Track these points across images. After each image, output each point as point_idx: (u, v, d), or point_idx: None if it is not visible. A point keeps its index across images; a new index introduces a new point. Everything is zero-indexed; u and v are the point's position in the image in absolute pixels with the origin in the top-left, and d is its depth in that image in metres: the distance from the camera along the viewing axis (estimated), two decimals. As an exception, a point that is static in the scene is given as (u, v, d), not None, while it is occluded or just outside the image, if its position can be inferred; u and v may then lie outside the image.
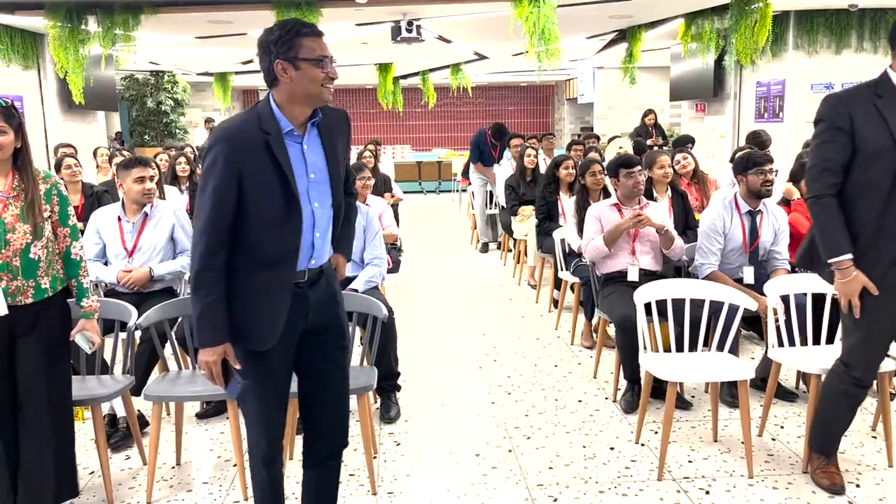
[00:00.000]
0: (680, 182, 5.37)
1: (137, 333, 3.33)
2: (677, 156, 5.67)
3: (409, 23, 7.64)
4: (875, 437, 3.44)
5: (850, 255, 2.62)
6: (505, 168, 8.09)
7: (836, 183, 2.64)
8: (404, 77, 14.08)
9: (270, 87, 2.09)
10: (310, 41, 2.02)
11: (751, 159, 3.94)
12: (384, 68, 12.38)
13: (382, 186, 7.18)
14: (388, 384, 3.80)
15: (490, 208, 8.78)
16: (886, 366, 3.21)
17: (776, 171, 3.99)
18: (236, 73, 13.48)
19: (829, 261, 2.65)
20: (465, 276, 7.41)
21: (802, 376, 4.00)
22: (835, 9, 7.77)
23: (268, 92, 2.11)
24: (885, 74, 2.65)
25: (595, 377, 4.32)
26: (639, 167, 4.18)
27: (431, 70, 13.55)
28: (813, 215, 2.71)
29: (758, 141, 6.49)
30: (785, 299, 3.37)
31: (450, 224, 11.09)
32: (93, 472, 3.25)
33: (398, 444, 3.49)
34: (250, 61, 11.91)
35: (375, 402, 3.86)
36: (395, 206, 7.36)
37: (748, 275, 3.93)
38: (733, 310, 3.33)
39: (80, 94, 7.57)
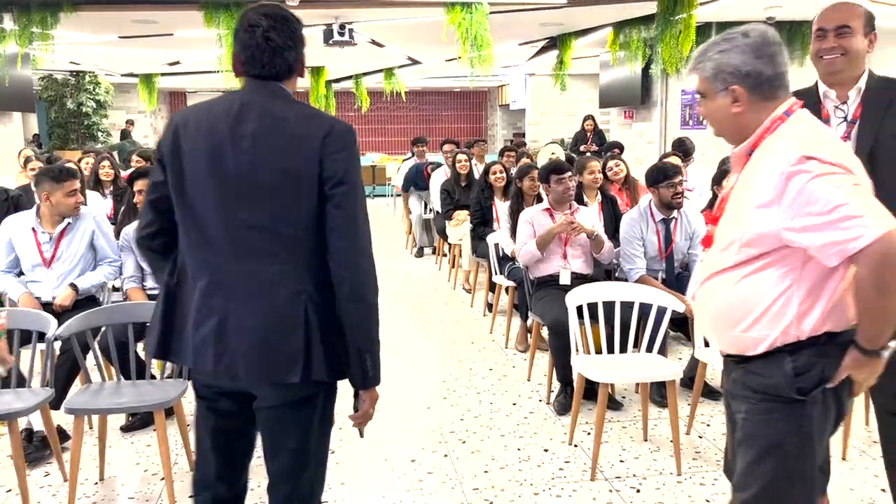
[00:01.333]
0: (610, 187, 5.50)
1: (57, 344, 3.20)
2: (609, 162, 5.80)
3: (342, 26, 7.59)
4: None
5: None
6: (440, 174, 8.12)
7: None
8: (337, 81, 13.96)
9: (280, 78, 1.84)
10: None
11: (661, 172, 4.08)
12: (316, 72, 12.25)
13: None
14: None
15: (425, 213, 8.79)
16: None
17: (686, 181, 4.14)
18: (162, 74, 13.11)
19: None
20: (400, 280, 7.39)
21: (727, 375, 4.13)
22: (754, 20, 8.09)
23: (276, 84, 1.84)
24: (815, 86, 2.47)
25: (529, 380, 4.36)
26: (569, 173, 4.26)
27: (365, 74, 13.49)
28: None
29: (682, 148, 6.70)
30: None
31: (384, 229, 11.04)
32: (10, 490, 3.09)
33: (332, 453, 3.44)
34: (177, 62, 11.59)
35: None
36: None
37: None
38: (661, 311, 3.42)
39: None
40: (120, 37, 8.65)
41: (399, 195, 9.92)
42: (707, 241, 1.89)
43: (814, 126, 1.75)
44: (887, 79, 2.39)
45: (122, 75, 13.66)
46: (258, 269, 1.75)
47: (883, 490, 2.99)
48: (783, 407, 1.73)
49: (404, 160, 9.54)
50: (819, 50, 2.34)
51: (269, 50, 1.79)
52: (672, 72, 7.71)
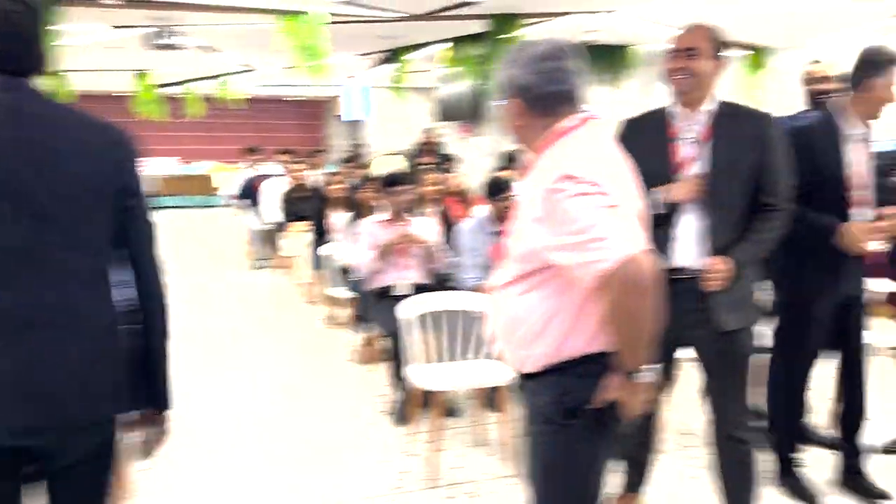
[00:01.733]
0: (445, 199, 5.62)
1: None
2: (445, 174, 5.95)
3: (168, 29, 7.22)
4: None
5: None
6: (277, 184, 7.93)
7: None
8: (167, 86, 13.29)
9: (33, 75, 1.58)
10: None
11: (496, 185, 4.24)
12: (142, 75, 11.58)
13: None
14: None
15: (264, 224, 8.54)
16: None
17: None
18: None
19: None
20: (239, 294, 7.12)
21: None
22: (585, 42, 8.62)
23: (33, 82, 1.58)
24: (663, 106, 2.49)
25: (369, 391, 4.35)
26: (405, 185, 4.31)
27: (198, 79, 12.93)
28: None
29: (512, 161, 7.00)
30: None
31: (222, 240, 10.61)
32: None
33: (156, 480, 3.24)
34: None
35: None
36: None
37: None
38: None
39: None
40: None
41: (231, 205, 9.59)
42: (496, 253, 1.88)
43: (588, 144, 1.73)
44: (735, 104, 2.45)
45: None
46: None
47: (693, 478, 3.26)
48: (554, 429, 1.74)
49: (240, 170, 9.23)
50: (669, 70, 2.40)
51: (24, 40, 1.55)
52: (504, 88, 8.03)
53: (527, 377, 1.79)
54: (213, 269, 8.49)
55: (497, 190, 4.22)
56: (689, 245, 2.36)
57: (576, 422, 1.71)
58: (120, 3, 6.44)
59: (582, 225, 1.55)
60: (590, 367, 1.70)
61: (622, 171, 1.75)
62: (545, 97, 1.74)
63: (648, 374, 1.67)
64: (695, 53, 2.33)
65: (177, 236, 10.61)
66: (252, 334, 5.66)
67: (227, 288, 7.39)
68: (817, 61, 3.41)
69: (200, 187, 15.56)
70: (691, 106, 2.39)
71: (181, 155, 16.79)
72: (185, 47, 7.59)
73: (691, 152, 2.38)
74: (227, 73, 12.17)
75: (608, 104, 9.25)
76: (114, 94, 14.30)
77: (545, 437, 1.77)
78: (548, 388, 1.73)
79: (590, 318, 1.68)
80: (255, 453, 3.51)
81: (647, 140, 2.39)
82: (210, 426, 3.82)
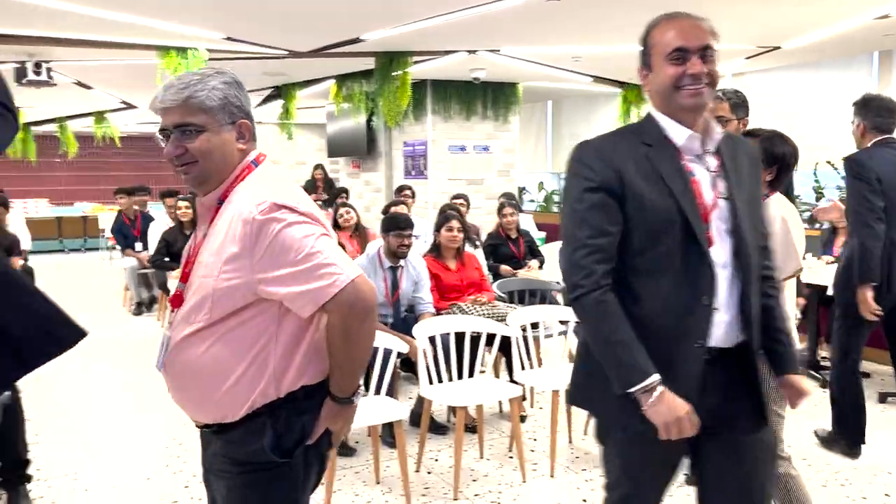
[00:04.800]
0: (339, 234, 5.59)
1: None
2: (340, 209, 5.92)
3: (38, 64, 6.86)
4: (511, 458, 3.87)
5: (656, 376, 1.65)
6: (159, 223, 7.63)
7: (609, 269, 1.71)
8: (38, 123, 12.58)
9: None
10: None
11: (393, 222, 4.27)
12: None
13: (8, 250, 6.25)
14: (14, 475, 3.26)
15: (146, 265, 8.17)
16: (514, 392, 3.67)
17: (416, 236, 4.37)
18: None
19: (629, 391, 1.66)
20: (117, 340, 6.75)
21: (452, 409, 4.36)
22: (463, 80, 8.86)
23: None
24: (650, 118, 1.79)
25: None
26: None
27: (72, 117, 12.32)
28: (584, 326, 1.80)
29: (402, 195, 7.09)
30: (432, 340, 3.66)
31: (99, 285, 10.06)
32: None
33: (29, 545, 3.00)
34: None
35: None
36: (28, 271, 6.46)
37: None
38: (388, 353, 3.52)
39: None
40: None
41: (114, 247, 9.14)
42: (176, 301, 1.67)
43: (279, 176, 1.67)
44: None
45: None
46: None
47: (584, 501, 3.34)
48: (266, 474, 1.63)
49: (120, 210, 8.81)
50: (680, 77, 1.69)
51: None
52: (393, 124, 8.12)
53: (226, 428, 1.64)
54: (90, 316, 8.02)
55: (394, 225, 4.24)
56: (730, 313, 1.75)
57: (294, 461, 1.64)
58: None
59: (304, 252, 1.52)
60: (305, 402, 1.64)
61: (312, 202, 1.67)
62: (252, 122, 1.68)
63: (359, 397, 1.70)
64: (711, 55, 1.70)
65: (51, 282, 9.98)
66: (133, 385, 5.36)
67: (104, 335, 6.98)
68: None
69: (77, 229, 14.74)
70: (696, 126, 1.74)
71: (49, 197, 15.87)
72: (55, 83, 7.22)
73: (713, 190, 1.75)
74: (105, 111, 11.67)
75: (494, 139, 9.54)
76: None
77: (259, 486, 1.64)
78: (259, 433, 1.61)
79: (301, 349, 1.63)
80: (138, 509, 3.30)
81: (652, 170, 1.71)
82: (87, 485, 3.58)
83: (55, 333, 1.92)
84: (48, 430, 4.26)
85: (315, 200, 8.55)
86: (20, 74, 6.87)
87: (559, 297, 5.28)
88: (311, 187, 11.02)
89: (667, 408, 1.64)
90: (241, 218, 1.54)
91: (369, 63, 7.53)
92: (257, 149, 1.70)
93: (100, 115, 11.80)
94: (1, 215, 6.36)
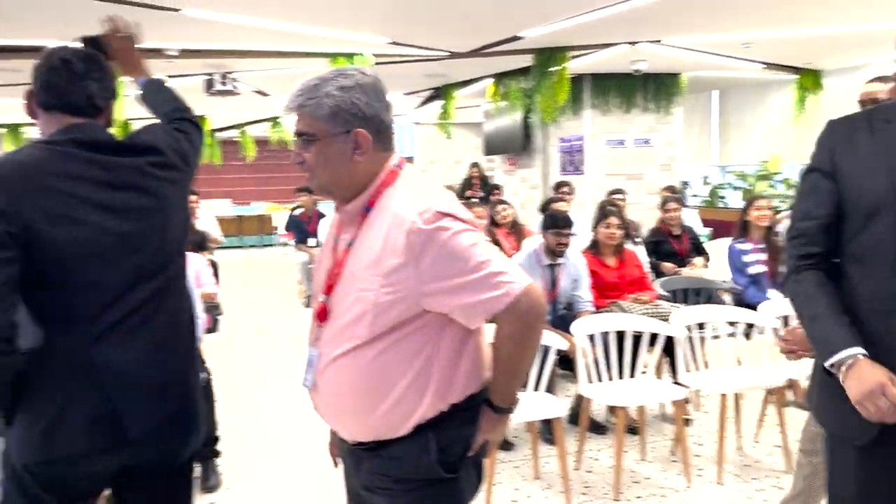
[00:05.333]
0: (496, 231, 5.65)
1: None
2: (497, 206, 5.98)
3: (224, 76, 7.50)
4: (675, 462, 3.74)
5: (854, 350, 1.53)
6: (330, 218, 8.07)
7: (816, 253, 1.67)
8: (221, 130, 13.72)
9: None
10: None
11: (553, 220, 4.24)
12: (200, 121, 12.01)
13: (199, 243, 6.89)
14: (206, 450, 3.60)
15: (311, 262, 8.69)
16: (678, 394, 3.55)
17: (574, 234, 4.32)
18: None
19: (826, 364, 1.57)
20: (290, 332, 7.24)
21: (611, 409, 4.28)
22: (623, 73, 8.64)
23: None
24: None
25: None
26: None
27: (250, 123, 13.33)
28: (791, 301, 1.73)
29: (560, 191, 7.03)
30: (591, 338, 3.62)
31: (275, 279, 10.82)
32: None
33: (220, 514, 3.30)
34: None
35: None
36: (214, 264, 7.07)
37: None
38: (547, 351, 3.53)
39: None
40: (-15, 85, 8.19)
41: (286, 243, 9.79)
42: (322, 315, 1.58)
43: (428, 181, 1.60)
44: None
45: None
46: None
47: (756, 510, 3.17)
48: (431, 490, 1.56)
49: (293, 208, 9.42)
50: None
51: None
52: (549, 120, 8.08)
53: (383, 445, 1.56)
54: (266, 308, 8.65)
55: (553, 224, 4.22)
56: None
57: (458, 474, 1.58)
58: (176, 53, 6.73)
59: (475, 261, 1.45)
60: (468, 412, 1.58)
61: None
62: (387, 131, 1.57)
63: (516, 405, 1.62)
64: None
65: (232, 276, 10.86)
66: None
67: (279, 326, 7.51)
68: (879, 79, 3.17)
69: (254, 227, 15.95)
70: None
71: (232, 197, 17.26)
72: (238, 93, 7.86)
73: None
74: (279, 116, 12.53)
75: (655, 132, 9.23)
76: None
77: (430, 501, 1.58)
78: (422, 448, 1.54)
79: (464, 359, 1.57)
80: (307, 496, 3.54)
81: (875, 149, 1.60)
82: (265, 464, 3.88)
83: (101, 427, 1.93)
84: (231, 410, 4.65)
85: (470, 198, 8.71)
86: (209, 85, 7.54)
87: (726, 298, 5.03)
88: (466, 185, 11.22)
89: (858, 378, 1.48)
90: (402, 227, 1.45)
91: (527, 60, 7.54)
92: (395, 153, 1.60)
93: (275, 121, 12.69)
94: (192, 210, 7.03)
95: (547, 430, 3.99)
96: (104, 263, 1.65)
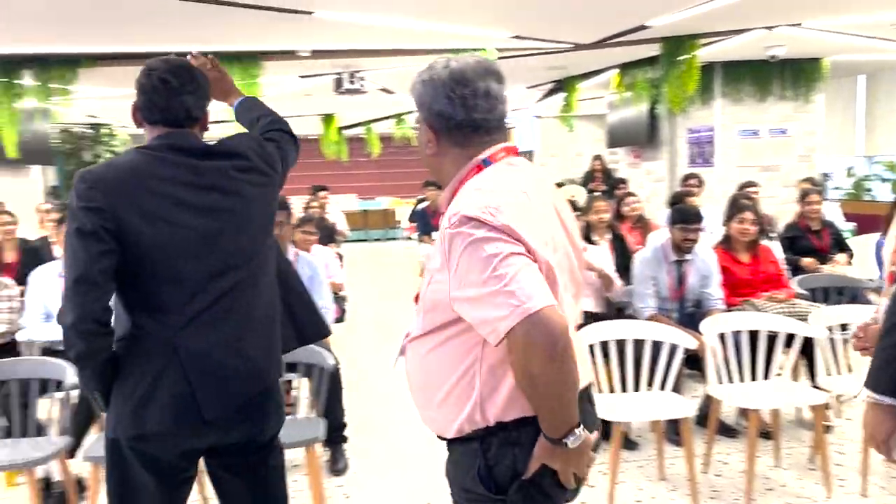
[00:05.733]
0: (620, 225, 5.52)
1: (75, 392, 3.23)
2: (627, 198, 5.85)
3: (352, 75, 7.75)
4: (813, 470, 3.54)
5: None
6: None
7: None
8: (348, 127, 14.18)
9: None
10: None
11: (681, 214, 4.09)
12: (328, 119, 12.47)
13: (329, 236, 7.18)
14: (335, 435, 3.75)
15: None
16: (817, 398, 3.34)
17: (702, 229, 4.15)
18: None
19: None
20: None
21: (742, 412, 4.10)
22: (757, 59, 8.21)
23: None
24: None
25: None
26: (577, 213, 4.30)
27: (375, 120, 13.71)
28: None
29: (688, 184, 6.78)
30: (722, 337, 3.48)
31: (398, 271, 11.09)
32: (26, 541, 3.10)
33: (347, 497, 3.43)
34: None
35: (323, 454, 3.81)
36: (339, 257, 7.35)
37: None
38: (674, 349, 3.42)
39: (15, 148, 7.41)
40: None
41: (410, 237, 10.00)
42: (416, 299, 1.58)
43: (504, 181, 1.47)
44: None
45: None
46: None
47: (905, 527, 2.95)
48: (500, 500, 1.47)
49: (417, 201, 9.61)
50: None
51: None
52: (678, 111, 7.81)
53: (449, 443, 1.55)
54: (390, 299, 8.88)
55: (680, 218, 4.09)
56: None
57: (510, 498, 1.47)
58: (308, 54, 7.03)
59: (488, 275, 1.33)
60: (517, 433, 1.45)
61: (542, 218, 1.48)
62: (462, 127, 1.51)
63: (577, 439, 1.42)
64: None
65: (357, 268, 11.23)
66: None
67: (402, 318, 7.68)
68: None
69: (379, 221, 16.44)
70: None
71: (357, 192, 17.81)
72: (365, 91, 8.09)
73: None
74: (403, 113, 12.79)
75: (792, 121, 8.71)
76: (306, 139, 15.58)
77: None
78: (473, 459, 1.48)
79: (509, 377, 1.43)
80: (430, 482, 3.61)
81: None
82: (389, 451, 3.99)
83: (317, 324, 2.17)
84: (357, 398, 4.83)
85: (592, 191, 8.55)
86: (338, 84, 7.82)
87: (873, 297, 4.68)
88: (588, 178, 11.03)
89: None
90: (443, 228, 1.44)
91: (654, 49, 7.31)
92: (494, 147, 1.53)
93: (399, 118, 12.98)
94: (322, 205, 7.33)
95: (673, 431, 3.88)
96: (188, 258, 1.81)
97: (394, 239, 15.69)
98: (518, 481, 1.46)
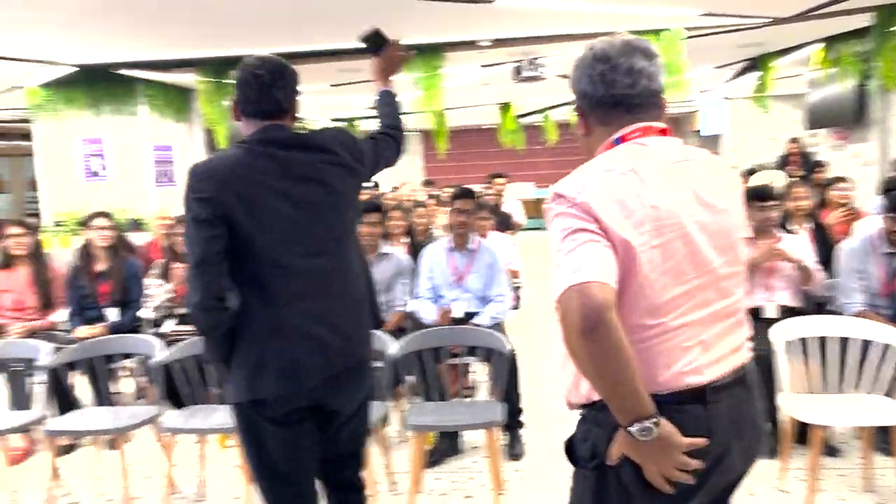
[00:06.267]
0: (822, 214, 5.07)
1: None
2: (837, 184, 5.36)
3: (531, 62, 7.73)
4: None
5: None
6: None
7: None
8: (525, 115, 14.18)
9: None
10: None
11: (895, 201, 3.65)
12: (505, 107, 12.54)
13: (504, 223, 7.23)
14: (512, 420, 3.79)
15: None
16: None
17: None
18: (363, 118, 14.07)
19: None
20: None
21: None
22: None
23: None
24: None
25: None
26: (773, 201, 3.99)
27: (553, 107, 13.59)
28: None
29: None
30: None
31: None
32: (234, 497, 3.40)
33: (523, 481, 3.46)
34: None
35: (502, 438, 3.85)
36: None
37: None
38: (887, 349, 3.09)
39: (226, 142, 8.17)
40: (331, 85, 9.44)
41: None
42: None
43: (614, 160, 1.46)
44: None
45: (332, 120, 14.83)
46: None
47: None
48: (582, 473, 1.53)
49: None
50: None
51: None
52: (892, 87, 7.02)
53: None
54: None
55: (892, 208, 3.66)
56: None
57: (600, 472, 1.47)
58: (489, 44, 7.09)
59: (556, 249, 1.39)
60: (601, 415, 1.44)
61: (650, 198, 1.41)
62: (602, 104, 1.53)
63: (647, 433, 1.33)
64: None
65: (531, 256, 11.23)
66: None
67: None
68: None
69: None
70: None
71: (534, 180, 17.78)
72: (544, 77, 8.04)
73: None
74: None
75: None
76: (483, 127, 15.82)
77: (578, 484, 1.56)
78: (580, 427, 1.55)
79: None
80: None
81: None
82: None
83: (376, 316, 2.31)
84: (532, 385, 4.83)
85: (790, 176, 7.92)
86: (517, 72, 7.84)
87: None
88: (783, 162, 10.22)
89: None
90: None
91: (865, 20, 6.62)
92: (628, 127, 1.52)
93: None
94: (499, 193, 7.40)
95: (883, 439, 3.51)
96: (285, 244, 2.01)
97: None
98: (597, 460, 1.47)
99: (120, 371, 4.45)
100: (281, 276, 2.02)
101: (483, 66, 8.46)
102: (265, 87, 2.04)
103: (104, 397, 3.64)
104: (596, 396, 1.44)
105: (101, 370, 3.63)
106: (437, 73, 7.01)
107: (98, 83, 7.61)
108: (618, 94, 1.51)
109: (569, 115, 13.11)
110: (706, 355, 1.44)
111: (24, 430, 3.58)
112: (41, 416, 3.44)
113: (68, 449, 4.09)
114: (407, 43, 7.21)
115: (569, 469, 1.58)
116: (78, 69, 7.33)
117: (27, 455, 4.05)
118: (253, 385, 2.01)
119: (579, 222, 1.38)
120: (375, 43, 2.36)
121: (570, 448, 1.54)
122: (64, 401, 3.81)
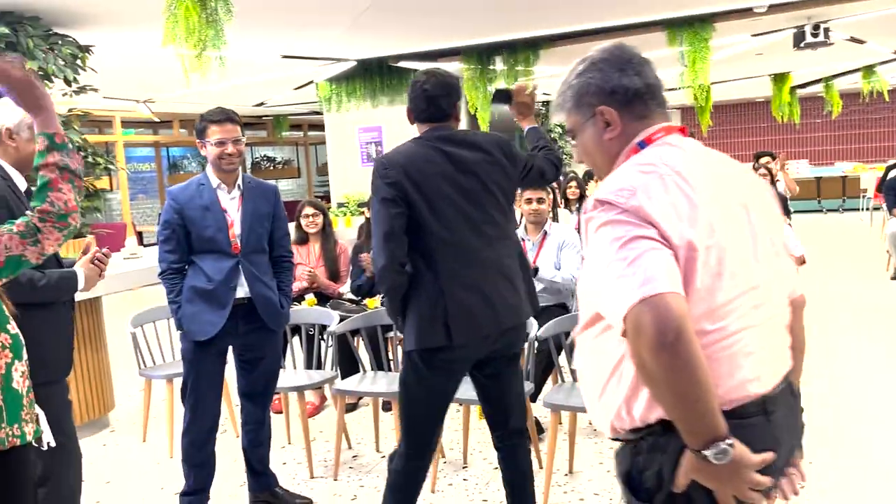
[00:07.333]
0: None
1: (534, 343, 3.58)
2: None
3: (815, 26, 6.97)
4: None
5: None
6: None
7: None
8: (802, 86, 12.87)
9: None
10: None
11: None
12: (779, 78, 11.48)
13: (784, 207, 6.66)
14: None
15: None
16: None
17: None
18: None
19: None
20: (872, 302, 6.48)
21: None
22: None
23: None
24: None
25: None
26: None
27: (837, 75, 12.17)
28: None
29: None
30: None
31: (856, 247, 9.80)
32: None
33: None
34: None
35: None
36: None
37: None
38: None
39: (487, 127, 8.48)
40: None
41: (878, 208, 8.72)
42: None
43: (655, 161, 1.37)
44: None
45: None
46: None
47: None
48: None
49: (888, 167, 8.31)
50: None
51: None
52: None
53: (613, 439, 1.47)
54: (846, 278, 7.90)
55: None
56: None
57: (668, 502, 1.33)
58: (765, 10, 6.52)
59: (609, 259, 1.27)
60: (663, 440, 1.32)
61: (700, 201, 1.32)
62: (640, 96, 1.45)
63: (723, 455, 1.23)
64: None
65: (807, 242, 10.26)
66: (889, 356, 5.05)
67: (861, 298, 6.78)
68: None
69: (835, 190, 14.66)
70: None
71: (809, 158, 16.13)
72: (831, 43, 7.22)
73: None
74: (874, 64, 11.09)
75: None
76: (755, 101, 14.69)
77: None
78: (627, 458, 1.41)
79: None
80: (912, 486, 3.13)
81: None
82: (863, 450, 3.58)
83: (469, 323, 2.44)
84: (807, 378, 4.42)
85: None
86: (798, 39, 7.13)
87: None
88: None
89: None
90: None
91: None
92: (655, 126, 1.45)
93: (868, 70, 11.29)
94: (775, 172, 6.83)
95: None
96: (448, 222, 2.41)
97: (854, 210, 13.85)
98: (664, 492, 1.35)
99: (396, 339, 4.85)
100: (443, 251, 2.41)
101: (753, 35, 7.81)
102: (432, 98, 2.48)
103: (381, 362, 3.99)
104: (652, 419, 1.35)
105: (378, 338, 3.98)
106: (706, 45, 6.62)
107: (374, 75, 8.30)
108: (652, 84, 1.48)
109: (859, 82, 11.65)
110: (765, 361, 1.36)
111: (317, 387, 4.04)
112: (332, 375, 3.88)
113: (351, 408, 4.55)
114: (675, 17, 6.95)
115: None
116: (357, 63, 8.06)
117: (317, 410, 4.59)
118: (422, 335, 2.41)
119: (635, 229, 1.29)
120: (503, 99, 2.79)
121: (629, 481, 1.43)
122: (349, 363, 4.24)
